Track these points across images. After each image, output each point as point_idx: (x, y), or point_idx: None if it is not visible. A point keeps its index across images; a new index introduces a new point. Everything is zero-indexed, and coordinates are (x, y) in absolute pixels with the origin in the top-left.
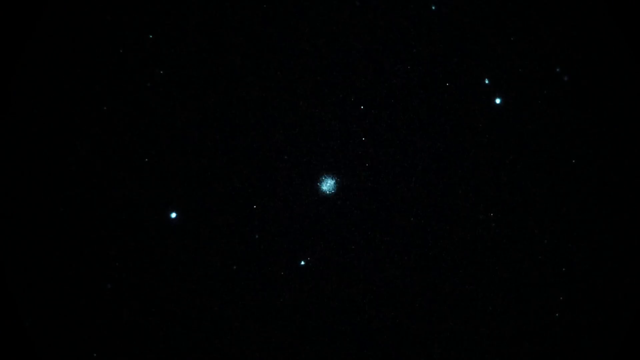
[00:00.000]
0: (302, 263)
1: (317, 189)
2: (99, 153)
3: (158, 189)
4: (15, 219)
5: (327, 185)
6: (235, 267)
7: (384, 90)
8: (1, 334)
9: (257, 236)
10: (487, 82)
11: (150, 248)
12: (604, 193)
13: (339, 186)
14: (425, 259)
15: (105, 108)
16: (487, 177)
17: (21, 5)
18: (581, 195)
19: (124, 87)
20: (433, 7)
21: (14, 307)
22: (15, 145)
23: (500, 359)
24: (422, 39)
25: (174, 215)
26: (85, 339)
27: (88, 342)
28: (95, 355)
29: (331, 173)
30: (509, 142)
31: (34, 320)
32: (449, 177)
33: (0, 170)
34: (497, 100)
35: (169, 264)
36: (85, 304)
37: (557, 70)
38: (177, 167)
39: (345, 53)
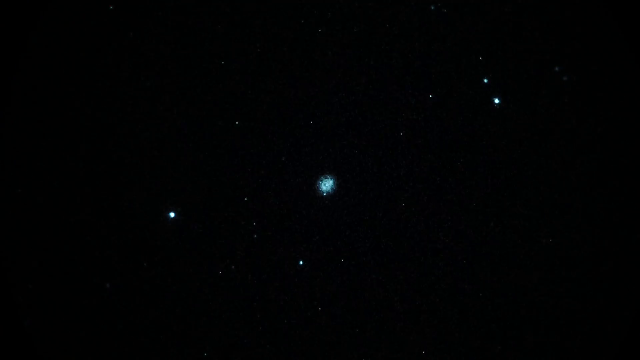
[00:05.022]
0: (301, 263)
1: (316, 189)
2: (99, 153)
3: (158, 189)
4: (15, 219)
5: (326, 185)
6: (233, 267)
7: (383, 90)
8: (1, 334)
9: (255, 236)
10: (486, 82)
11: (150, 248)
12: (604, 193)
13: (337, 186)
14: (425, 258)
15: (104, 108)
16: (486, 177)
17: (21, 5)
18: (581, 195)
19: (123, 87)
20: (432, 7)
21: (14, 307)
22: (15, 145)
23: (499, 358)
24: (421, 39)
25: (173, 215)
26: (85, 339)
27: (88, 342)
28: (95, 355)
29: (330, 173)
30: (509, 142)
31: (34, 320)
32: (448, 177)
33: (0, 170)
34: (497, 100)
35: (168, 264)
36: (85, 304)
37: (556, 69)
38: (176, 167)
39: (344, 53)
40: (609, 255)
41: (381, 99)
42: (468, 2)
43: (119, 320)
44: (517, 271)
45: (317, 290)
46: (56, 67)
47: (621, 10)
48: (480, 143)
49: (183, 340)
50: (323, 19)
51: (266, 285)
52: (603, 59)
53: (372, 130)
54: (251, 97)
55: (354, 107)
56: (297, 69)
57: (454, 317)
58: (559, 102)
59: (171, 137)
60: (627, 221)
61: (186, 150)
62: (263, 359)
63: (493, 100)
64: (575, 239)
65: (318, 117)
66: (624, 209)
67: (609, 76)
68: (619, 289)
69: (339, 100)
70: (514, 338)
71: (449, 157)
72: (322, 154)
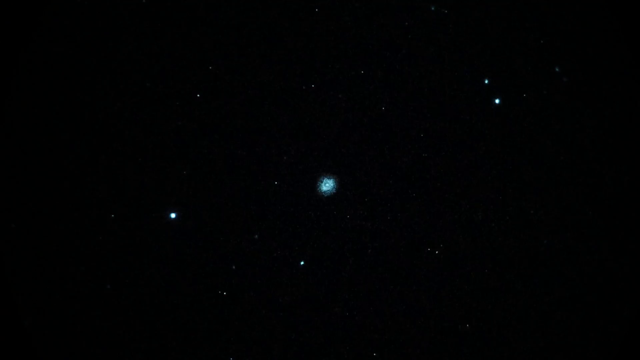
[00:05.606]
0: (302, 263)
1: (317, 189)
2: (99, 153)
3: (158, 189)
4: (15, 219)
5: (327, 185)
6: (234, 267)
7: (384, 89)
8: (1, 334)
9: (256, 236)
10: (487, 82)
11: (150, 248)
12: (604, 193)
13: (338, 186)
14: (425, 258)
15: (105, 108)
16: (486, 177)
17: (21, 5)
18: (581, 196)
19: (123, 87)
20: (432, 8)
21: (14, 307)
22: (15, 145)
23: (499, 358)
24: (422, 39)
25: (173, 215)
26: (85, 339)
27: (88, 342)
28: (95, 355)
29: (330, 173)
30: (509, 142)
31: (34, 320)
32: (449, 177)
33: (0, 170)
34: (497, 101)
35: (169, 264)
36: (85, 304)
37: (557, 70)
38: (176, 167)
39: (344, 53)
40: (608, 255)
41: (382, 99)
42: (468, 2)
43: (119, 320)
44: (517, 271)
45: (317, 291)
46: (56, 67)
47: (621, 10)
48: (480, 143)
49: (183, 340)
50: (324, 19)
51: (267, 286)
52: (603, 59)
53: (372, 131)
54: (252, 97)
55: (354, 107)
56: (298, 69)
57: (454, 316)
58: (559, 102)
59: (172, 138)
60: (627, 221)
61: (186, 150)
62: (263, 359)
63: (493, 101)
64: (575, 239)
65: (319, 117)
66: (624, 209)
67: (609, 76)
68: (619, 289)
69: (339, 101)
70: (513, 338)
71: (449, 157)
72: (322, 154)
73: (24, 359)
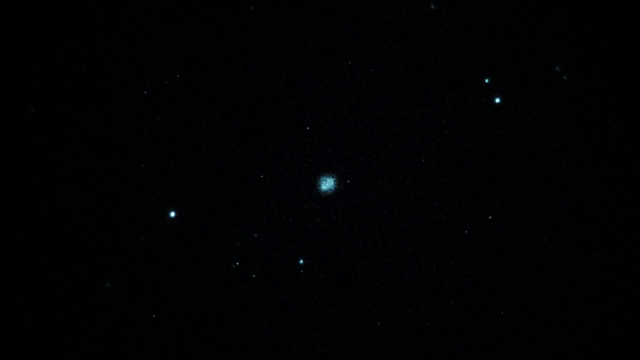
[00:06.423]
0: (301, 262)
1: (317, 188)
2: (99, 153)
3: (157, 189)
4: (15, 219)
5: (327, 184)
6: (234, 267)
7: (383, 89)
8: (1, 334)
9: (256, 235)
10: (487, 81)
11: (150, 248)
12: (604, 193)
13: (338, 185)
14: (425, 258)
15: (104, 107)
16: (486, 177)
17: (21, 5)
18: (580, 195)
19: (124, 86)
20: (432, 7)
21: (13, 307)
22: (15, 145)
23: (499, 358)
24: (421, 38)
25: (173, 215)
26: (85, 339)
27: (88, 342)
28: (95, 355)
29: (330, 172)
30: (509, 141)
31: (34, 320)
32: (448, 177)
33: (0, 170)
34: (497, 100)
35: (168, 264)
36: (85, 304)
37: (557, 69)
38: (176, 167)
39: (344, 52)
40: (608, 255)
41: (382, 99)
42: (468, 1)
43: (119, 320)
44: (516, 271)
45: (317, 289)
46: (56, 66)
47: (621, 10)
48: (480, 142)
49: (183, 340)
50: (323, 19)
51: (266, 284)
52: (603, 59)
53: (372, 130)
54: (251, 96)
55: (354, 106)
56: (297, 68)
57: (454, 316)
58: (559, 101)
59: (171, 137)
60: (627, 221)
61: (186, 149)
62: (263, 359)
63: (494, 100)
64: (575, 238)
65: (318, 116)
66: (623, 209)
67: (609, 76)
68: (619, 289)
69: (339, 100)
70: (514, 338)
71: (449, 156)
72: (322, 154)
73: (24, 359)
